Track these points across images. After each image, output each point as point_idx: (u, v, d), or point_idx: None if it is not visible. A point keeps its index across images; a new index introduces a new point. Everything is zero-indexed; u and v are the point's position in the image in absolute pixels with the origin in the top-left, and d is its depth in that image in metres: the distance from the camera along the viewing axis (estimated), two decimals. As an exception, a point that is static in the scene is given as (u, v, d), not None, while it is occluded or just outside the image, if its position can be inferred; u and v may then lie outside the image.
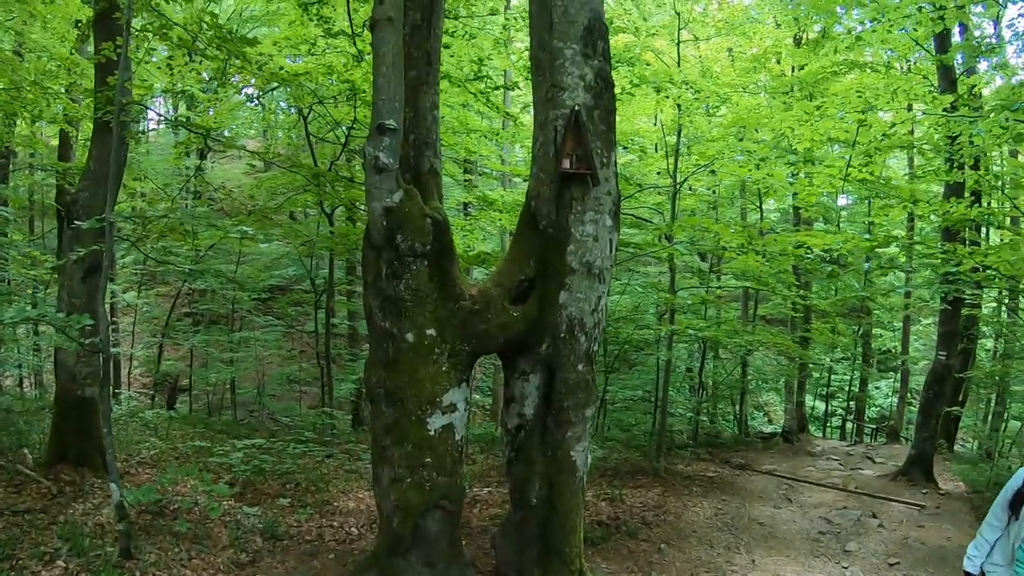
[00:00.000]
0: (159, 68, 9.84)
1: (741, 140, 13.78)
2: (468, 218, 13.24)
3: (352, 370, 17.07)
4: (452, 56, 9.85)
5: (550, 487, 5.60)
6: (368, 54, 9.41)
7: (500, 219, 11.89)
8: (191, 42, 7.55)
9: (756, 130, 13.75)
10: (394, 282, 5.31)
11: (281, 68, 9.31)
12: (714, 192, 22.10)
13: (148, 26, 7.41)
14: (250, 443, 10.43)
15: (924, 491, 13.28)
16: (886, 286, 24.72)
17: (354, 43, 8.85)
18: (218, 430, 13.80)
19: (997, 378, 18.56)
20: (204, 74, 10.10)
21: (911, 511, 11.81)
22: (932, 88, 13.50)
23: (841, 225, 23.51)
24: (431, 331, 5.32)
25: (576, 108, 5.50)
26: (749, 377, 18.46)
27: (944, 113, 12.06)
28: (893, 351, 24.68)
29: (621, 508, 9.99)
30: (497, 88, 10.25)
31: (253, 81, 9.82)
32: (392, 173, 5.25)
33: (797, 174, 17.59)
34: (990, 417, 20.55)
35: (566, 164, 5.45)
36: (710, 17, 14.53)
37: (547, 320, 5.52)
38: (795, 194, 19.98)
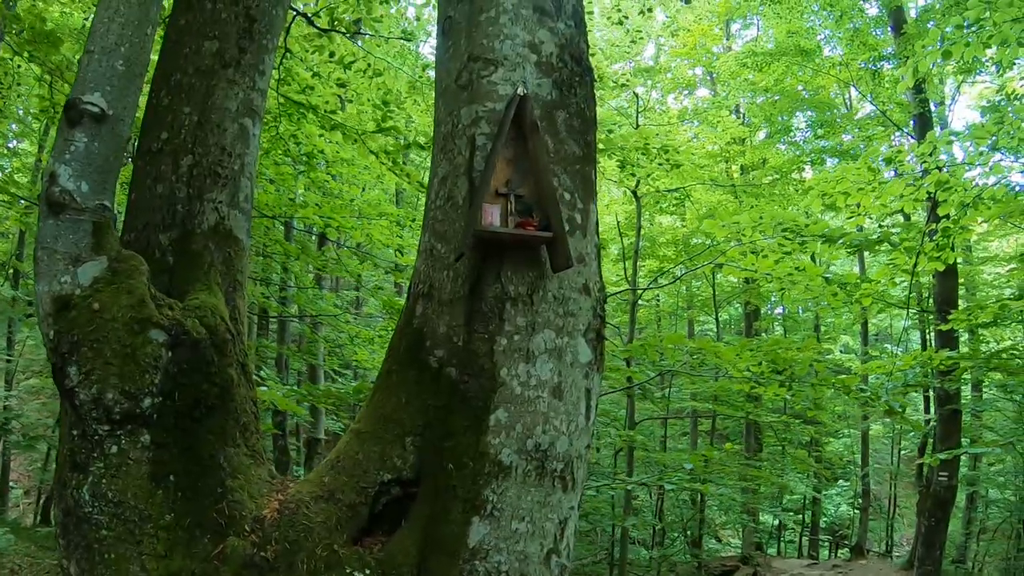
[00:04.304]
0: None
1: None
2: (379, 327, 9.70)
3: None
4: (352, 101, 6.75)
5: None
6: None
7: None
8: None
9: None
10: (75, 477, 2.02)
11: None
12: (657, 303, 19.27)
13: None
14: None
15: (937, 631, 10.47)
16: (832, 394, 21.91)
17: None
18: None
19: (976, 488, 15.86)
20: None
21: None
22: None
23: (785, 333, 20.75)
24: None
25: (521, 94, 2.27)
26: (710, 503, 15.05)
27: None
28: (841, 458, 21.62)
29: None
30: (409, 146, 6.94)
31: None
32: (83, 216, 2.05)
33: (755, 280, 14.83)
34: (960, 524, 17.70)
35: (492, 217, 2.16)
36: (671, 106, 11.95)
37: (439, 579, 2.10)
38: (747, 303, 17.35)
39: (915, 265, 6.69)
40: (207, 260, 2.47)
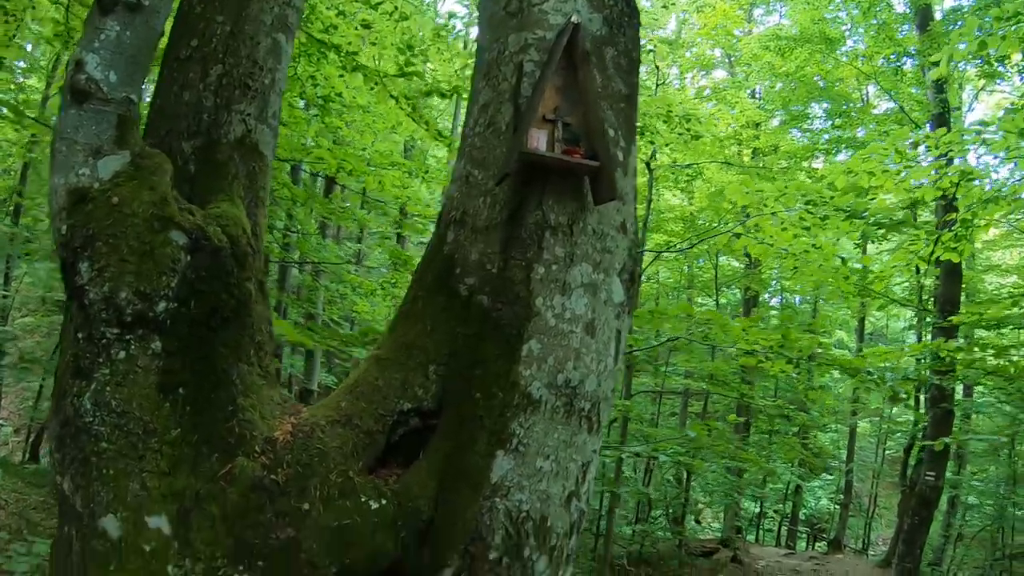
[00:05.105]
0: None
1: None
2: (382, 279, 9.53)
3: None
4: (375, 43, 6.58)
5: None
6: None
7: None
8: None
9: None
10: (77, 384, 1.86)
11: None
12: (658, 280, 19.20)
13: None
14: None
15: (911, 631, 10.40)
16: (824, 385, 21.94)
17: None
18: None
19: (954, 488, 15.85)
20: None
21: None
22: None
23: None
24: (159, 522, 1.82)
25: (574, 23, 2.14)
26: (694, 485, 15.05)
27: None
28: (827, 452, 21.68)
29: None
30: (430, 93, 6.78)
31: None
32: (109, 107, 1.91)
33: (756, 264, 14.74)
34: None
35: (538, 142, 2.05)
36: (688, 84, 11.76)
37: (456, 514, 2.00)
38: (747, 288, 17.25)
39: (932, 253, 6.59)
40: (231, 171, 2.35)
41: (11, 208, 13.11)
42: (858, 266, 10.20)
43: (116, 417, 1.84)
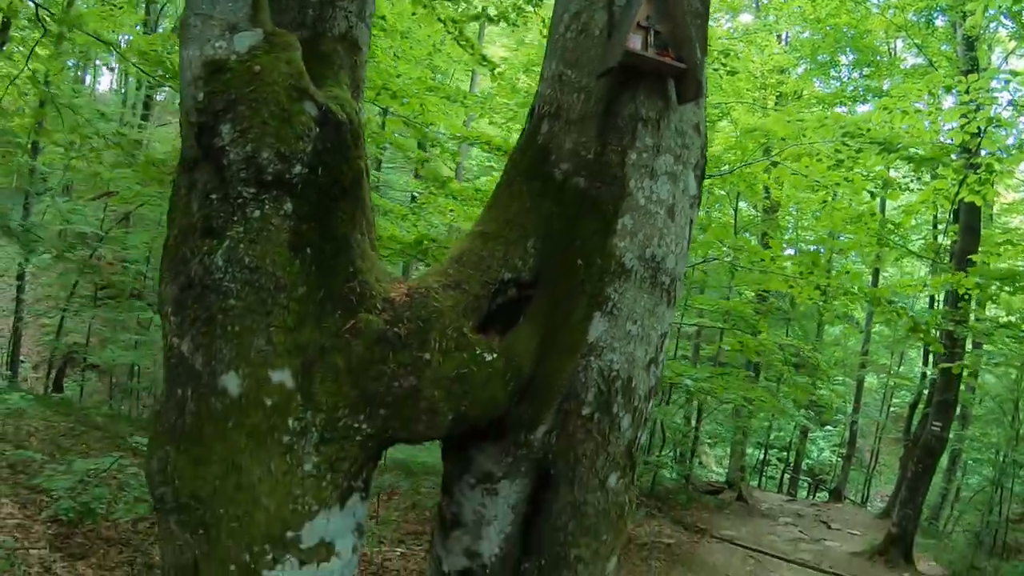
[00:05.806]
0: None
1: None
2: (413, 205, 9.69)
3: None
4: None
5: None
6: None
7: (450, 208, 8.31)
8: None
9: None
10: (207, 243, 1.98)
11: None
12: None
13: None
14: (93, 465, 7.11)
15: (905, 575, 10.96)
16: (832, 339, 22.23)
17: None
18: (94, 425, 10.50)
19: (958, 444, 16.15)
20: None
21: (899, 601, 9.40)
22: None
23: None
24: (282, 377, 1.97)
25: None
26: (704, 425, 15.42)
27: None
28: (838, 394, 22.00)
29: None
30: (478, 17, 6.85)
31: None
32: None
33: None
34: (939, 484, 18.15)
35: (635, 43, 2.24)
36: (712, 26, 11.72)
37: (554, 373, 2.24)
38: (764, 232, 17.34)
39: (957, 193, 6.76)
40: (336, 62, 2.53)
41: (29, 145, 13.19)
42: (892, 192, 10.17)
43: (248, 273, 1.96)
